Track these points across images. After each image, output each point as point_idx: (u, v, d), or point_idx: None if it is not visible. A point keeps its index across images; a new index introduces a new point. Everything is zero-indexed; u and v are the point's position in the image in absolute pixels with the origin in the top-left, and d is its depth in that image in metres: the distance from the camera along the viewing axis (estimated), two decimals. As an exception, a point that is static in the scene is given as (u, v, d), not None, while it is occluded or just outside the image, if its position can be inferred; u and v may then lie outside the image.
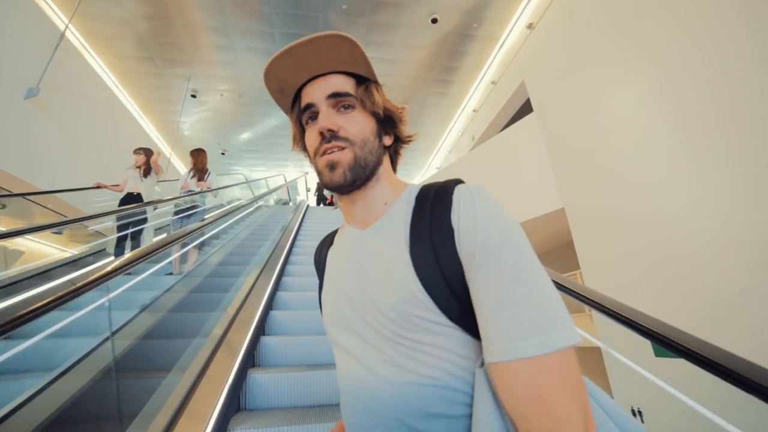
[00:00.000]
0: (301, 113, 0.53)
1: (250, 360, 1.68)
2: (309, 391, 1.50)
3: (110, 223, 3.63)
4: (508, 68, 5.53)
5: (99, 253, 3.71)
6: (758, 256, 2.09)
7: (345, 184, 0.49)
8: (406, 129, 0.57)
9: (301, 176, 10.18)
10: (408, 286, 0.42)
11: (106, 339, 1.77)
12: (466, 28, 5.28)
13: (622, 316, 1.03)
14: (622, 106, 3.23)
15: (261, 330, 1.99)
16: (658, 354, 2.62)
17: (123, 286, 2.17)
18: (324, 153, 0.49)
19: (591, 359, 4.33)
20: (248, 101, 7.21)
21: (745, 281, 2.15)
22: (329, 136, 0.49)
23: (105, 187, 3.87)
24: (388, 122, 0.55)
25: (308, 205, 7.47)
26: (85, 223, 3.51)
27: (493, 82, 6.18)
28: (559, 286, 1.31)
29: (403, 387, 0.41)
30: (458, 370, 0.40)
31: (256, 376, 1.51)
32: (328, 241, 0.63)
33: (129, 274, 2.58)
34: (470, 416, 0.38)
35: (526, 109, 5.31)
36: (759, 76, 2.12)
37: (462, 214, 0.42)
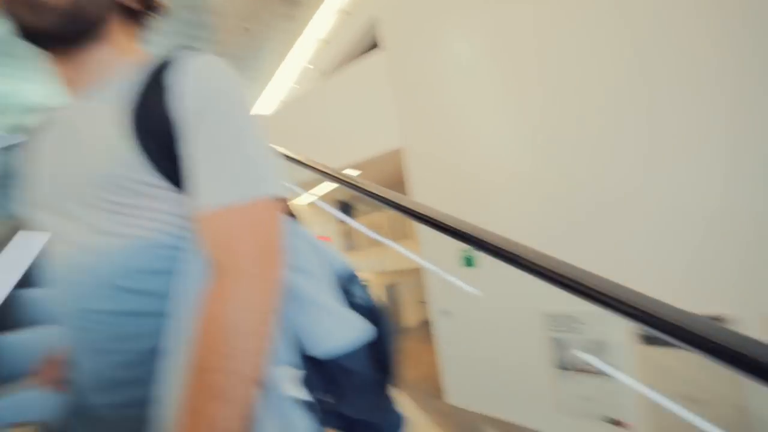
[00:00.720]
0: None
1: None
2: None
3: None
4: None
5: None
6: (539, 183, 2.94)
7: (48, 30, 0.42)
8: None
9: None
10: (121, 148, 0.41)
11: None
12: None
13: (435, 220, 1.07)
14: (464, 52, 3.66)
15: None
16: (465, 264, 3.44)
17: None
18: None
19: (417, 278, 5.29)
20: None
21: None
22: None
23: None
24: None
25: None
26: None
27: (344, 12, 5.94)
28: (379, 198, 1.27)
29: (116, 250, 0.41)
30: (173, 228, 0.42)
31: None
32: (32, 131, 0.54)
33: None
34: None
35: (377, 45, 5.37)
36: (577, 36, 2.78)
37: (177, 75, 0.41)
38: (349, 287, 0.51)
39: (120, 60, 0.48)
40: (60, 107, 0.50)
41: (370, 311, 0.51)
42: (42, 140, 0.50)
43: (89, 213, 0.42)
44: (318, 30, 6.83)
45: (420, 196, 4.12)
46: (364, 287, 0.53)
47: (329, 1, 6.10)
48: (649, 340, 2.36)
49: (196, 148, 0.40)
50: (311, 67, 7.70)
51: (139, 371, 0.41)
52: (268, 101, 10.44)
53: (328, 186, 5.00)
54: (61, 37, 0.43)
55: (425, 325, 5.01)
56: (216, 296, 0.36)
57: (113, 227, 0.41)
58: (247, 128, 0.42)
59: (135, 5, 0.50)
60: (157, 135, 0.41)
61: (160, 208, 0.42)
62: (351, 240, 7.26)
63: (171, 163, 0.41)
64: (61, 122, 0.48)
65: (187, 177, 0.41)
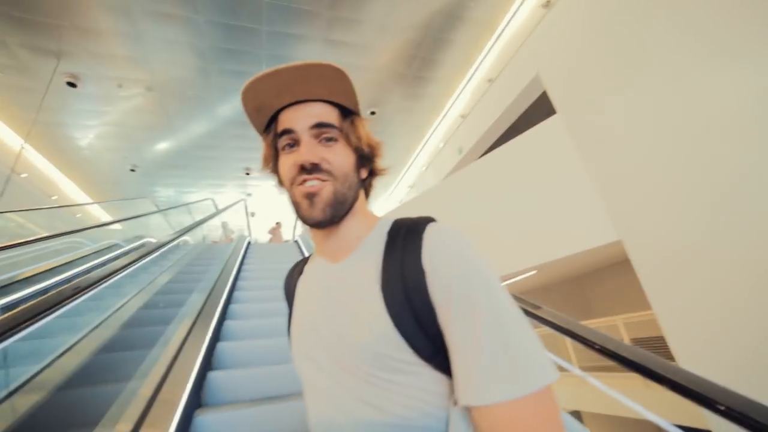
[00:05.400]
0: (277, 137, 0.62)
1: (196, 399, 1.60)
2: (266, 427, 1.51)
3: None
4: (514, 59, 5.34)
5: None
6: None
7: (324, 221, 0.59)
8: (380, 162, 0.70)
9: (240, 201, 9.29)
10: (380, 325, 0.52)
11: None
12: (458, 8, 5.18)
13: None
14: (685, 99, 2.98)
15: (207, 364, 1.85)
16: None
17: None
18: (303, 183, 0.58)
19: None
20: (161, 97, 6.11)
21: None
22: (310, 168, 0.58)
23: None
24: (366, 156, 0.65)
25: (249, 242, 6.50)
26: None
27: (489, 80, 6.14)
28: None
29: (374, 426, 0.51)
30: (430, 407, 0.50)
31: (203, 418, 1.46)
32: (298, 270, 0.76)
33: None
34: None
35: (535, 112, 5.20)
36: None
37: (434, 257, 0.52)
38: None
39: (365, 226, 0.64)
40: (319, 265, 0.67)
41: None
42: (305, 291, 0.69)
43: (349, 379, 0.54)
44: (454, 104, 7.23)
45: (656, 294, 3.38)
46: None
47: (469, 70, 6.41)
48: None
49: (467, 334, 0.47)
50: (442, 144, 8.00)
51: None
52: (391, 190, 11.19)
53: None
54: (330, 221, 0.59)
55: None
56: None
57: (373, 399, 0.52)
58: (511, 309, 0.48)
59: (366, 175, 0.66)
60: (413, 313, 0.51)
61: (416, 385, 0.51)
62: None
63: (429, 342, 0.51)
64: (322, 283, 0.64)
65: (457, 362, 0.48)
